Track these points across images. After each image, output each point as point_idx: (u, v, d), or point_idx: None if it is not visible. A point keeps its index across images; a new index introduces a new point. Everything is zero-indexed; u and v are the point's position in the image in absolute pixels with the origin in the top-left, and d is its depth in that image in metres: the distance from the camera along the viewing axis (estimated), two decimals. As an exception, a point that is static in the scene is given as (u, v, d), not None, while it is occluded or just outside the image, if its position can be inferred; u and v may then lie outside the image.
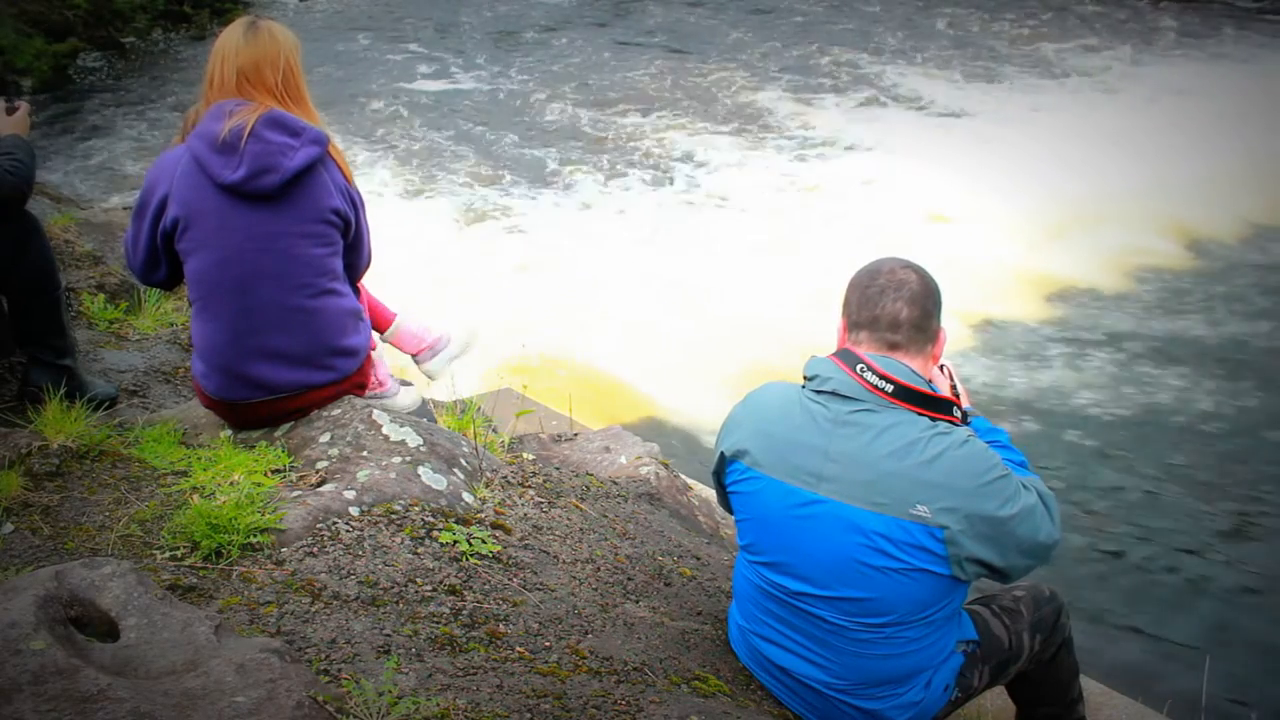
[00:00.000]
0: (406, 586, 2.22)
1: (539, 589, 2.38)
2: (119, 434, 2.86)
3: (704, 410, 6.86)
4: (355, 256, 2.96)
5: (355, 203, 2.88)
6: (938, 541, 2.10)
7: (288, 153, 2.69)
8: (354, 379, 2.94)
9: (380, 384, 3.09)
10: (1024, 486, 2.17)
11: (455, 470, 2.73)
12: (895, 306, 2.19)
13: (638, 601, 2.50)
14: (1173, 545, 5.99)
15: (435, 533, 2.44)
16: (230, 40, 2.78)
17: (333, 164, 2.81)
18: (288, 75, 2.79)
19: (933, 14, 16.81)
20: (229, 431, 2.93)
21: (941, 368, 2.33)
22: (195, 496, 2.44)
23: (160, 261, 2.84)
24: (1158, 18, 16.50)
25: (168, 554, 2.25)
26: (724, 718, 2.06)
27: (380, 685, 1.80)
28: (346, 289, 2.91)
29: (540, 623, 2.24)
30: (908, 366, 2.19)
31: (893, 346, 2.19)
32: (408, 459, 2.68)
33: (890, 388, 2.15)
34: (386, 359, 3.24)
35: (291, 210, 2.73)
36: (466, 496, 2.66)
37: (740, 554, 2.40)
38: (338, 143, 2.89)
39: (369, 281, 3.16)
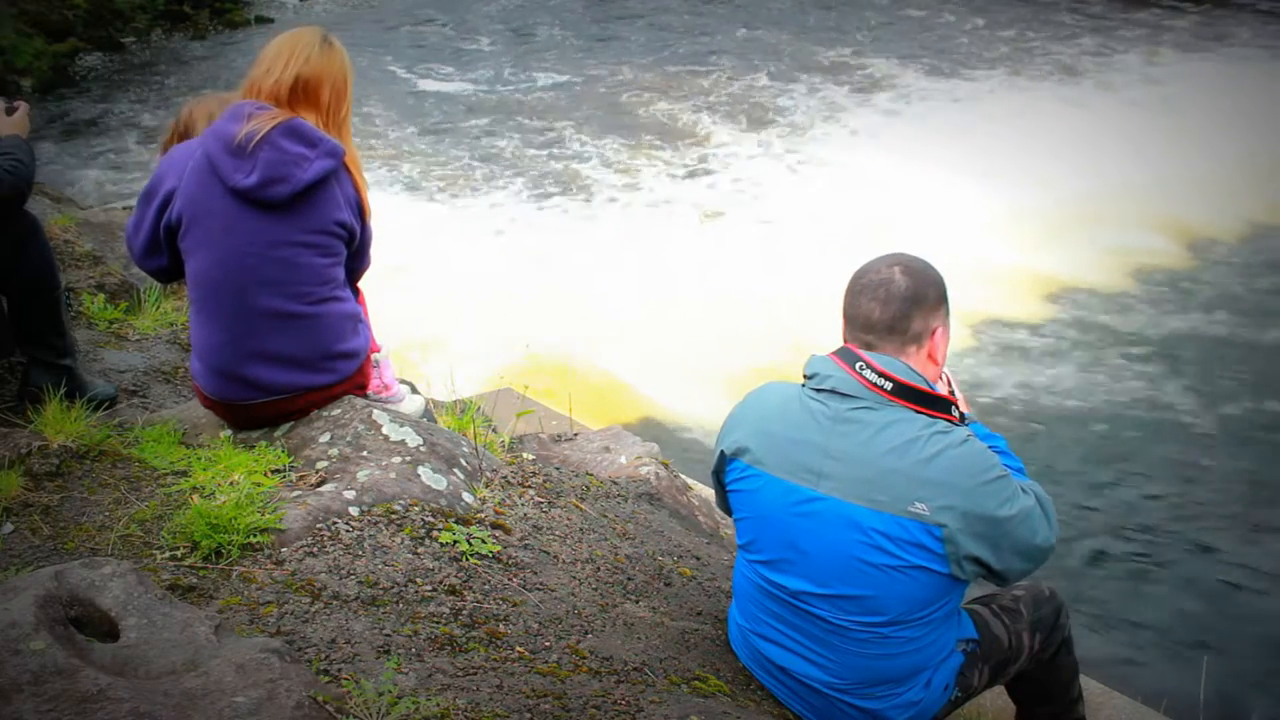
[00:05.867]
0: (406, 586, 2.23)
1: (539, 589, 2.38)
2: (119, 434, 2.85)
3: (704, 410, 6.86)
4: (357, 263, 2.96)
5: (363, 215, 2.87)
6: (936, 539, 2.10)
7: (301, 164, 2.67)
8: (353, 380, 2.94)
9: (387, 388, 3.09)
10: (1022, 490, 2.17)
11: (455, 470, 2.73)
12: (869, 307, 2.20)
13: (638, 601, 2.50)
14: (1172, 544, 6.00)
15: (435, 533, 2.43)
16: (301, 43, 2.75)
17: (345, 176, 2.79)
18: (340, 99, 2.79)
19: (934, 12, 16.81)
20: (229, 431, 2.93)
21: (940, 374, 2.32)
22: (195, 496, 2.44)
23: (161, 250, 2.83)
24: (1158, 17, 16.50)
25: (168, 554, 2.25)
26: (724, 718, 2.06)
27: (380, 685, 1.80)
28: (347, 293, 2.90)
29: (540, 623, 2.24)
30: (907, 365, 2.19)
31: (867, 346, 2.20)
32: (408, 459, 2.68)
33: (890, 385, 2.15)
34: (393, 364, 3.22)
35: (298, 220, 2.72)
36: (466, 496, 2.66)
37: (740, 553, 2.41)
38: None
39: (368, 288, 3.15)
